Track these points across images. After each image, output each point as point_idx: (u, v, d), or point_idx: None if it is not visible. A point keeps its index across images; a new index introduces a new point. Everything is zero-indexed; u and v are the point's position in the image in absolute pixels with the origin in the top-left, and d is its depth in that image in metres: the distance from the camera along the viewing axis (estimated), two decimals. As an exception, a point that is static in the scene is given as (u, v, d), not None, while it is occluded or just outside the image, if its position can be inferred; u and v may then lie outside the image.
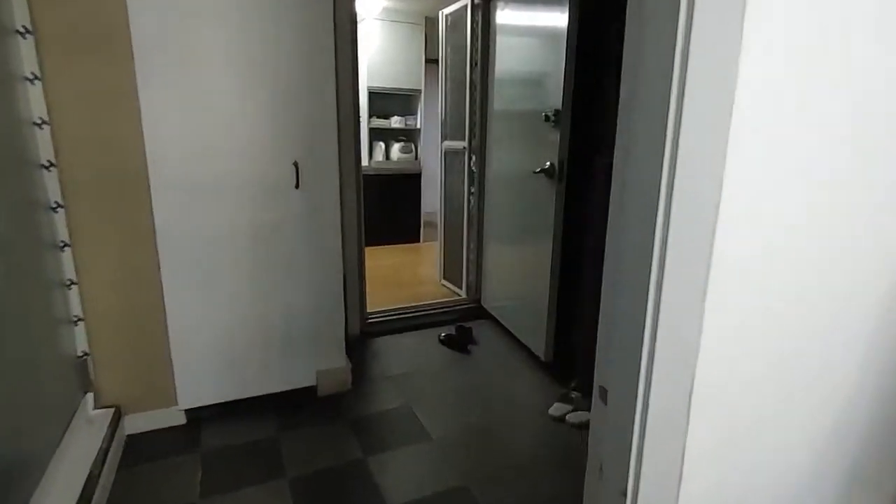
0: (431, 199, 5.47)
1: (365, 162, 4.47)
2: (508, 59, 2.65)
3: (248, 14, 1.81)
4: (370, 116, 4.85)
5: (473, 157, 3.13)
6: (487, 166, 2.98)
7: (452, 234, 3.56)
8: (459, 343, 2.74)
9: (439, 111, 3.57)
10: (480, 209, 3.14)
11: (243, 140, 1.90)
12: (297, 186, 1.98)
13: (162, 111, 1.74)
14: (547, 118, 2.20)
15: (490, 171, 2.95)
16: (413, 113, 5.21)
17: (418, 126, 5.19)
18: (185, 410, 1.97)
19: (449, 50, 3.38)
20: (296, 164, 1.96)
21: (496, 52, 2.78)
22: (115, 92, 1.68)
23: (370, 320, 2.94)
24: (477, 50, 2.98)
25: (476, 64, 2.98)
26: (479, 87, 2.99)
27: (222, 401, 2.02)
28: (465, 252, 3.34)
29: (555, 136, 2.19)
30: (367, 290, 2.93)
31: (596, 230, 2.08)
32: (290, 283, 2.06)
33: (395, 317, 3.03)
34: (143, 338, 1.87)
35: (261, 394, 2.08)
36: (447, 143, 3.48)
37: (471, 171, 3.17)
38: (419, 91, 5.02)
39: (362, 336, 2.85)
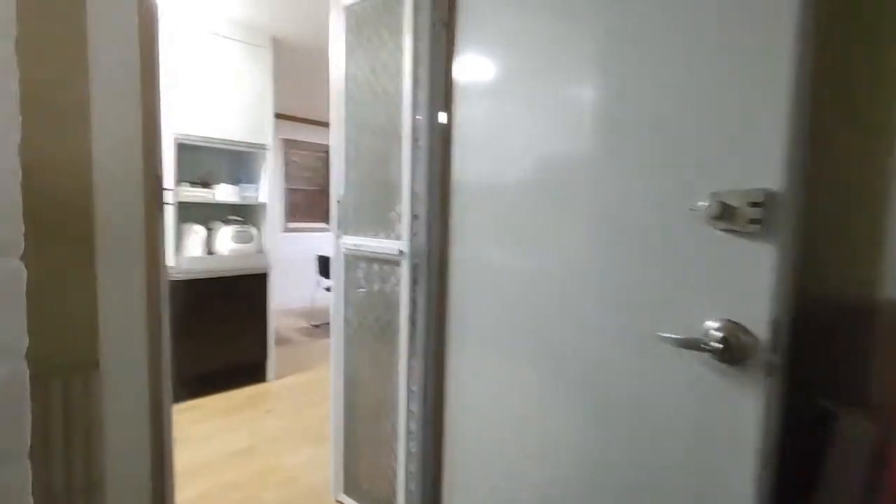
0: (281, 299, 3.64)
1: (170, 261, 2.49)
2: (529, 82, 1.26)
3: None
4: (178, 184, 2.92)
5: (420, 274, 1.60)
6: (461, 299, 1.47)
7: (365, 412, 1.88)
8: None
9: (334, 183, 1.95)
10: (436, 382, 1.58)
11: None
12: None
13: None
14: (723, 211, 0.85)
15: (474, 307, 1.44)
16: (254, 181, 3.41)
17: (262, 199, 3.38)
18: None
19: (356, 73, 1.85)
20: None
21: (476, 69, 1.37)
22: None
23: None
24: (426, 73, 1.54)
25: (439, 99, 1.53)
26: (430, 142, 1.53)
27: None
28: (397, 451, 1.69)
29: (749, 257, 0.84)
30: None
31: None
32: None
33: None
34: None
35: None
36: (350, 240, 1.87)
37: (414, 301, 1.62)
38: (264, 147, 3.28)
39: None
